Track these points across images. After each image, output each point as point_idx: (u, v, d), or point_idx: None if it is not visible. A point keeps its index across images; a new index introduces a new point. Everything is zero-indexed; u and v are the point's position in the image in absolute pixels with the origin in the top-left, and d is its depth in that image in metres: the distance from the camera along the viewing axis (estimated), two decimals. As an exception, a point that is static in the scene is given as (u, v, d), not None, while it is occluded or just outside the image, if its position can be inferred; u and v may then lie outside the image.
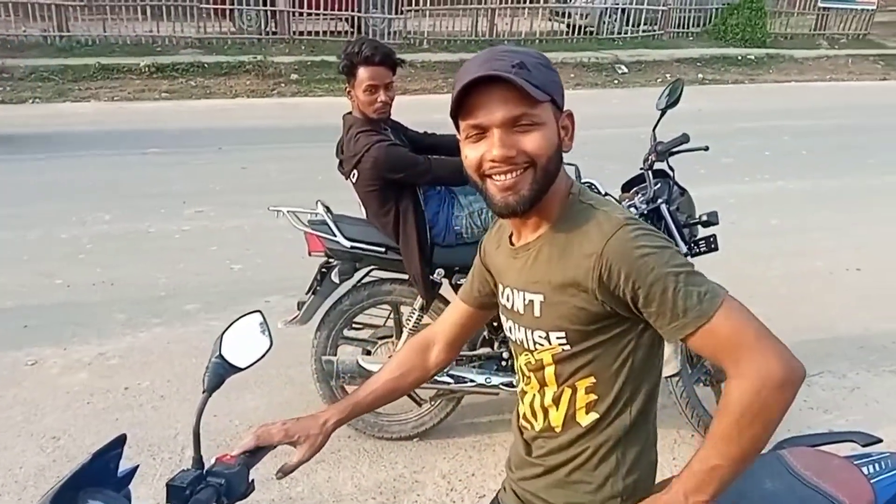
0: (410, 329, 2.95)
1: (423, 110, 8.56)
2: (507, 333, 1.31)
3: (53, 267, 4.74)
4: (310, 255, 2.99)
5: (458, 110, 1.14)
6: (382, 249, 2.91)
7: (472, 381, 2.92)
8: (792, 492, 1.41)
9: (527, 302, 1.21)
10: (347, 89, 2.84)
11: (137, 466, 1.18)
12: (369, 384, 1.48)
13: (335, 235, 2.88)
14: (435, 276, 2.89)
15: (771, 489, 1.41)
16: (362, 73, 2.74)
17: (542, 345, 1.20)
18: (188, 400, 3.28)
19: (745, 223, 5.33)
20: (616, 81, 12.15)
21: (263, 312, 1.39)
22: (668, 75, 12.15)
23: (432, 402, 3.06)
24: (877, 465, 1.51)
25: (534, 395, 1.25)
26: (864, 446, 1.63)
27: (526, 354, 1.25)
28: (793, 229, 5.65)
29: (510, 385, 2.92)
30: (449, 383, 2.91)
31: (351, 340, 3.14)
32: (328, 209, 2.95)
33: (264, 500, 2.65)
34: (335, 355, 3.02)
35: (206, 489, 1.18)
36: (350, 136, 2.82)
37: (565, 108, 1.20)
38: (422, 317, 2.96)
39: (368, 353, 3.11)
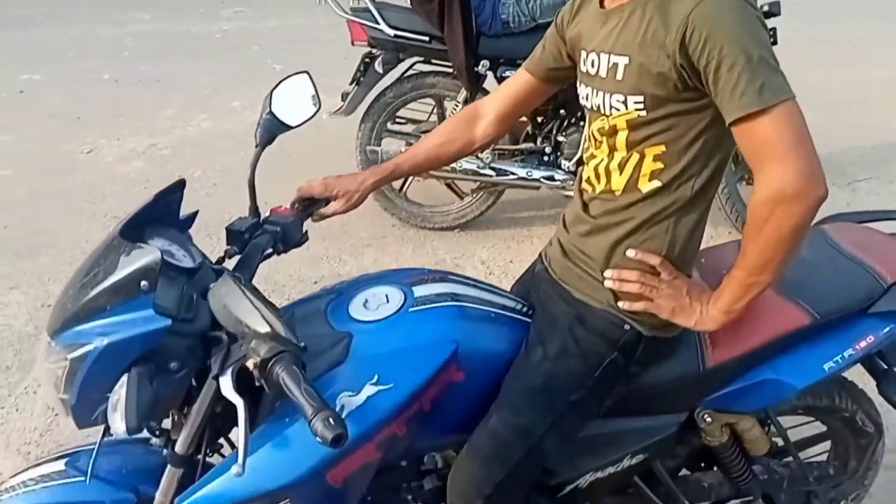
0: (454, 122, 2.96)
1: None
2: (583, 101, 1.28)
3: (99, 63, 4.77)
4: (353, 44, 2.94)
5: None
6: (427, 38, 2.85)
7: (513, 174, 2.96)
8: (830, 261, 1.39)
9: (611, 65, 1.17)
10: None
11: (197, 212, 1.23)
12: (411, 150, 1.50)
13: (378, 23, 2.82)
14: (479, 67, 2.85)
15: (808, 258, 1.39)
16: None
17: (618, 109, 1.17)
18: (240, 188, 3.39)
19: (806, 31, 5.04)
20: None
21: (310, 73, 1.40)
22: None
23: (473, 195, 3.13)
24: None
25: (602, 159, 1.25)
26: None
27: (601, 119, 1.23)
28: (855, 39, 5.35)
29: (551, 179, 2.95)
30: (491, 176, 2.96)
31: (394, 133, 3.17)
32: (371, -5, 2.86)
33: (314, 276, 2.82)
34: (380, 146, 3.07)
35: (263, 235, 1.25)
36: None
37: None
38: (465, 110, 2.95)
39: (411, 145, 3.14)
